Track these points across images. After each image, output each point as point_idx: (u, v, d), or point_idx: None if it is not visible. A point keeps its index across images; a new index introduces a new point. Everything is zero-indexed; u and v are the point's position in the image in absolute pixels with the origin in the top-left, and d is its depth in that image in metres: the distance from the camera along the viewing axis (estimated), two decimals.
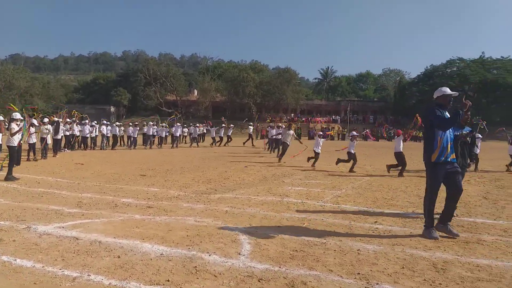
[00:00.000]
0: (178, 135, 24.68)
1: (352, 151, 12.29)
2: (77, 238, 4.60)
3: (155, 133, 24.03)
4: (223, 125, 26.21)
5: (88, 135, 20.53)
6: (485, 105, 52.61)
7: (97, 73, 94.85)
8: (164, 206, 6.62)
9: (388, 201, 7.45)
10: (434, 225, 5.00)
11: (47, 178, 9.82)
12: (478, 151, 13.58)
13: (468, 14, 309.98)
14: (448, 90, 5.13)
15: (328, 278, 3.53)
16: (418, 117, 12.20)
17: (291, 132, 15.46)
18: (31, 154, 14.12)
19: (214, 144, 25.27)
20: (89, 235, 4.72)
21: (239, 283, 3.39)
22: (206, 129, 28.54)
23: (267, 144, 20.98)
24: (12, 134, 9.99)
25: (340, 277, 3.57)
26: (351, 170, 12.06)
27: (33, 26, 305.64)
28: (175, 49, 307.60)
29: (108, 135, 21.92)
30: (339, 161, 12.83)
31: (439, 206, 5.31)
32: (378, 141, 41.69)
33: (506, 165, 13.32)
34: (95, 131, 21.42)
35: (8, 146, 9.98)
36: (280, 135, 17.79)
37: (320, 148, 13.69)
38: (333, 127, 51.44)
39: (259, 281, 3.44)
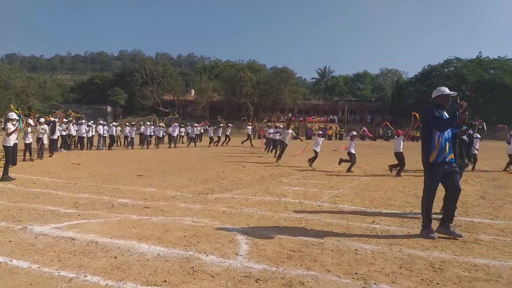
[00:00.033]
0: (175, 135, 24.63)
1: (352, 151, 12.29)
2: (73, 239, 4.57)
3: (152, 133, 23.97)
4: (221, 124, 26.15)
5: (84, 135, 20.46)
6: (482, 105, 52.89)
7: (93, 73, 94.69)
8: (161, 207, 6.60)
9: (386, 201, 7.45)
10: (436, 228, 4.96)
11: (43, 179, 9.77)
12: (476, 151, 13.60)
13: (466, 14, 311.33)
14: (446, 90, 5.11)
15: (326, 278, 3.52)
16: (417, 115, 12.23)
17: (290, 131, 15.44)
18: (27, 154, 14.06)
19: (212, 144, 25.23)
20: (85, 236, 4.69)
21: (237, 284, 3.38)
22: (203, 129, 28.46)
23: (265, 144, 20.97)
24: (8, 134, 9.94)
25: (337, 277, 3.56)
26: (348, 170, 12.07)
27: (30, 26, 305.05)
28: (172, 48, 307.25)
29: (104, 135, 21.85)
30: (341, 161, 12.80)
31: (437, 206, 5.31)
32: (375, 140, 41.77)
33: (507, 165, 13.32)
34: (92, 131, 21.35)
35: (3, 146, 9.92)
36: (278, 135, 17.79)
37: (319, 147, 13.69)
38: (331, 127, 51.51)
39: (257, 282, 3.43)
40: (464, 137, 6.65)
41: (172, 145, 24.04)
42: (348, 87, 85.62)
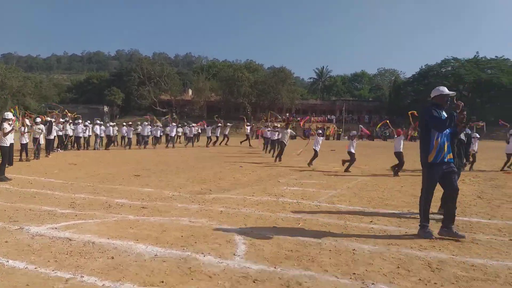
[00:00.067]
0: (173, 135, 24.58)
1: (352, 151, 12.31)
2: (70, 239, 4.55)
3: (149, 133, 23.93)
4: (219, 124, 26.10)
5: (81, 135, 20.39)
6: (479, 105, 53.00)
7: (90, 73, 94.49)
8: (158, 207, 6.58)
9: (384, 200, 7.45)
10: (438, 231, 4.93)
11: (40, 179, 9.73)
12: (475, 149, 13.63)
13: (463, 14, 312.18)
14: (445, 90, 5.08)
15: (324, 278, 3.51)
16: (415, 112, 12.27)
17: (289, 131, 15.40)
18: (24, 154, 14.00)
19: (210, 143, 25.20)
20: (82, 236, 4.67)
21: (234, 284, 3.37)
22: (200, 129, 28.39)
23: (264, 144, 20.95)
24: (4, 134, 9.90)
25: (335, 277, 3.55)
26: (346, 170, 12.07)
27: (26, 25, 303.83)
28: (169, 48, 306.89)
29: (101, 135, 21.79)
30: (344, 162, 12.77)
31: (434, 205, 5.32)
32: (373, 140, 41.82)
33: (508, 166, 13.36)
34: (89, 131, 21.29)
35: (0, 146, 9.88)
36: (275, 135, 17.78)
37: (319, 146, 13.66)
38: (328, 127, 51.55)
39: (254, 282, 3.42)
40: (463, 137, 6.65)
41: (170, 145, 24.00)
42: (346, 87, 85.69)
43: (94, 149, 20.70)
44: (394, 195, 8.11)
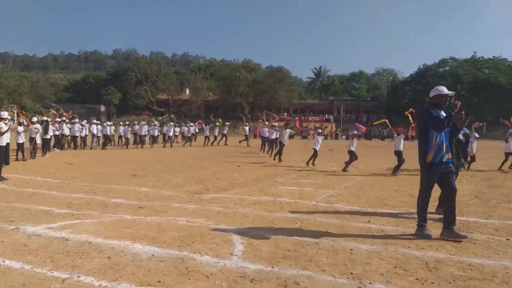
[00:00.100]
0: (171, 135, 24.54)
1: (352, 149, 12.34)
2: (66, 239, 4.53)
3: (147, 133, 23.89)
4: (217, 123, 26.09)
5: (78, 135, 20.34)
6: (477, 105, 53.11)
7: (87, 72, 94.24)
8: (155, 206, 6.56)
9: (381, 200, 7.46)
10: (440, 233, 4.90)
11: (36, 178, 9.69)
12: (474, 151, 13.68)
13: (461, 14, 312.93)
14: (445, 90, 5.07)
15: (321, 278, 3.51)
16: (413, 110, 12.35)
17: (288, 131, 15.32)
18: (20, 154, 13.94)
19: (209, 143, 25.18)
20: (79, 236, 4.65)
21: (232, 284, 3.36)
22: (198, 128, 28.34)
23: (261, 144, 20.92)
24: (1, 134, 9.85)
25: (333, 277, 3.55)
26: (344, 170, 12.09)
27: (22, 24, 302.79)
28: (167, 47, 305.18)
29: (98, 134, 21.74)
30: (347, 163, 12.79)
31: (432, 205, 5.33)
32: (371, 140, 41.89)
33: (502, 164, 13.42)
34: (85, 131, 21.23)
35: None
36: (273, 134, 17.76)
37: (319, 145, 13.64)
38: (326, 126, 51.60)
39: (252, 282, 3.41)
40: (461, 137, 6.65)
41: (168, 144, 23.97)
42: (344, 86, 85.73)
43: (91, 148, 20.65)
44: (392, 194, 8.12)
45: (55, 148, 18.24)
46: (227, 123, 27.00)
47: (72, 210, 6.17)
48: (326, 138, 42.11)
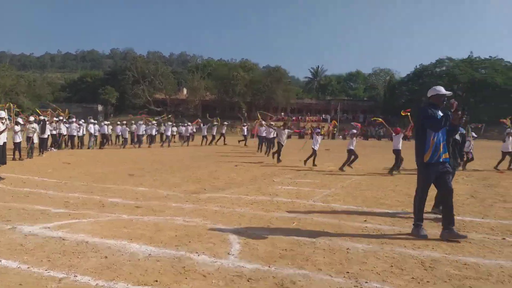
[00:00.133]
0: (169, 134, 24.52)
1: (352, 147, 12.38)
2: (63, 239, 4.52)
3: (144, 132, 23.86)
4: (215, 123, 26.07)
5: (75, 134, 20.29)
6: (473, 105, 53.28)
7: (84, 71, 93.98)
8: (152, 206, 6.56)
9: (378, 200, 7.49)
10: (440, 234, 4.89)
11: (33, 178, 9.67)
12: (471, 148, 13.75)
13: (458, 14, 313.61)
14: (442, 90, 5.09)
15: (317, 277, 3.52)
16: (408, 111, 12.43)
17: (286, 131, 15.26)
18: (17, 153, 13.90)
19: (207, 143, 25.16)
20: (75, 236, 4.65)
21: (229, 283, 3.37)
22: (195, 128, 28.30)
23: (258, 144, 20.91)
24: None
25: (329, 276, 3.56)
26: (341, 169, 12.12)
27: (19, 23, 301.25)
28: (164, 47, 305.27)
29: (95, 134, 21.69)
30: (350, 164, 12.80)
31: (428, 205, 5.35)
32: (367, 139, 41.97)
33: (499, 163, 13.51)
34: (83, 130, 21.18)
35: None
36: (271, 134, 17.75)
37: (318, 145, 13.64)
38: (323, 126, 51.64)
39: (248, 281, 3.42)
40: (457, 137, 6.68)
41: (165, 144, 23.94)
42: (341, 86, 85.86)
43: (88, 148, 20.60)
44: (388, 194, 8.15)
45: (52, 148, 18.20)
46: (225, 123, 26.96)
47: (69, 210, 6.17)
48: (323, 138, 42.21)
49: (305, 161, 13.36)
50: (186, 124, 26.76)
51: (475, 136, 14.77)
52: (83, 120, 22.34)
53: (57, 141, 18.86)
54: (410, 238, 4.83)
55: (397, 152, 11.66)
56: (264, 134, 19.45)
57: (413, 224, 5.06)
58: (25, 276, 3.45)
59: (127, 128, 23.26)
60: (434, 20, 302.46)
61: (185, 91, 66.66)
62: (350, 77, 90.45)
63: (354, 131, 13.37)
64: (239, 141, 25.70)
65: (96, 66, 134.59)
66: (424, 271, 3.72)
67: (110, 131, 22.96)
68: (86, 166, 12.49)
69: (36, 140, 15.52)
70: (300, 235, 4.85)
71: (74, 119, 20.84)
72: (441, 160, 4.94)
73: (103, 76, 73.28)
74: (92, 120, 22.84)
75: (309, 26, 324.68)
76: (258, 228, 5.20)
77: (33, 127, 15.14)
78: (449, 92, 5.14)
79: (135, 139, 23.31)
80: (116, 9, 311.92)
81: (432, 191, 5.19)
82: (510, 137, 13.61)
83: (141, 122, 24.07)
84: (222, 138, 25.35)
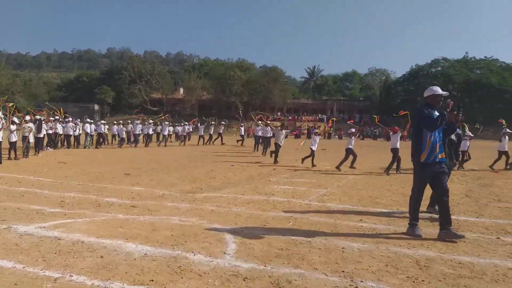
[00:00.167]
0: (166, 134, 24.46)
1: (351, 147, 12.42)
2: (59, 238, 4.51)
3: (140, 132, 23.80)
4: (213, 122, 26.03)
5: (71, 133, 20.21)
6: (468, 105, 53.63)
7: (80, 71, 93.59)
8: (148, 206, 6.55)
9: (373, 199, 7.51)
10: (437, 235, 4.89)
11: (29, 177, 9.62)
12: (467, 148, 13.83)
13: (454, 14, 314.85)
14: (439, 90, 5.11)
15: (313, 276, 3.54)
16: (402, 112, 12.51)
17: (284, 132, 15.19)
18: (12, 152, 13.82)
19: (204, 142, 25.11)
20: (71, 235, 4.64)
21: (224, 282, 3.37)
22: (192, 128, 28.23)
23: (254, 144, 20.91)
24: None
25: (325, 275, 3.58)
26: (337, 167, 12.15)
27: (15, 23, 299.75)
28: (161, 47, 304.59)
29: (92, 133, 21.62)
30: (351, 164, 12.80)
31: (423, 204, 5.38)
32: (363, 139, 42.05)
33: (494, 162, 13.59)
34: (79, 130, 21.11)
35: None
36: (268, 133, 17.74)
37: (316, 146, 13.62)
38: (320, 126, 51.73)
39: (244, 280, 3.43)
40: (453, 137, 6.70)
41: (162, 143, 23.90)
42: (337, 86, 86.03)
43: (84, 147, 20.53)
44: (384, 194, 8.18)
45: (48, 147, 18.12)
46: (222, 122, 26.91)
47: (64, 209, 6.15)
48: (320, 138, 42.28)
49: (303, 160, 13.36)
50: (182, 124, 26.70)
51: (472, 135, 14.85)
52: (79, 120, 22.25)
53: (53, 141, 18.79)
54: (405, 238, 4.85)
55: (395, 151, 11.72)
56: (260, 134, 19.46)
57: (409, 224, 5.09)
58: (20, 276, 3.44)
59: (124, 128, 23.19)
60: (429, 20, 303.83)
61: (181, 90, 66.58)
62: (346, 77, 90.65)
63: (353, 130, 13.39)
64: (237, 141, 25.73)
65: (92, 66, 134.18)
66: (419, 270, 3.74)
67: (106, 130, 22.89)
68: (82, 165, 12.45)
69: (32, 140, 15.45)
70: (296, 235, 4.86)
71: (70, 119, 20.75)
72: (437, 160, 4.96)
73: (99, 76, 73.03)
74: (88, 120, 22.76)
75: (306, 26, 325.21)
76: (254, 228, 5.20)
77: (29, 126, 15.06)
78: (446, 93, 5.16)
79: (132, 139, 23.26)
80: (113, 9, 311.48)
81: (428, 191, 5.21)
82: (506, 137, 13.71)
83: (138, 122, 24.00)
84: (220, 137, 25.32)
